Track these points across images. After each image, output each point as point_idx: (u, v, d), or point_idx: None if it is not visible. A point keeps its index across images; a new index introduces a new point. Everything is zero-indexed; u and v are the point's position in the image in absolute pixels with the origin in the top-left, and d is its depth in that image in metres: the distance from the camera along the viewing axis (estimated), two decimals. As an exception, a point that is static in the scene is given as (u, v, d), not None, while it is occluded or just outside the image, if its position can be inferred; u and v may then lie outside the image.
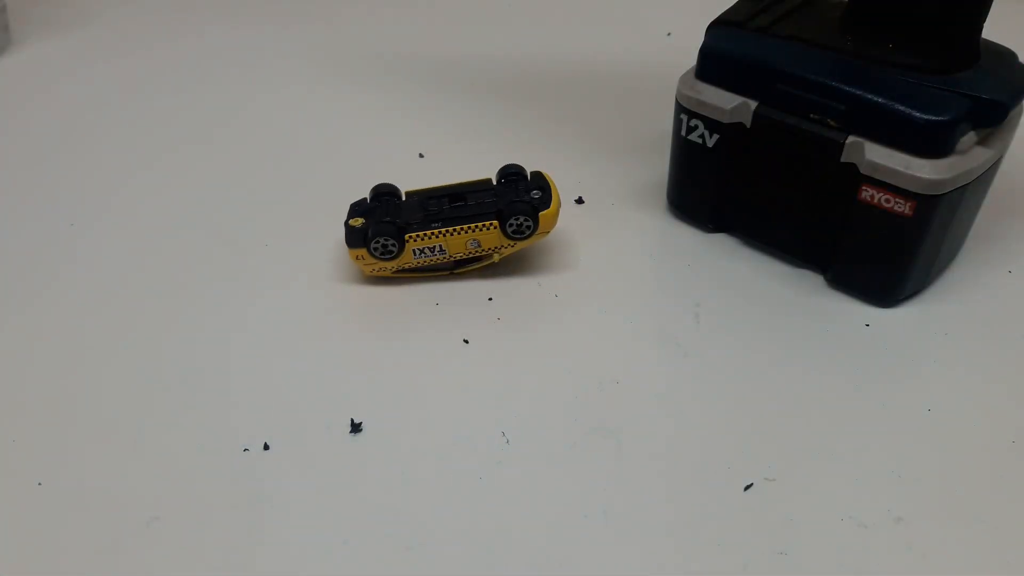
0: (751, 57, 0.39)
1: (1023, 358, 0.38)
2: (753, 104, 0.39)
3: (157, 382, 0.37)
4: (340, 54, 0.61)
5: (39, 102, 0.57)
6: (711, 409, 0.36)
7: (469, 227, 0.40)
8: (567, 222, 0.44)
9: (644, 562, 0.31)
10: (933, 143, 0.35)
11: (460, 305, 0.41)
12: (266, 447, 0.35)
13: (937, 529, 0.32)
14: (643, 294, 0.42)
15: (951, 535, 0.31)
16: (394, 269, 0.42)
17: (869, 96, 0.36)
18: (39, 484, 0.33)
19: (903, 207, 0.36)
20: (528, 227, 0.40)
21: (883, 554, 0.31)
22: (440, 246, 0.41)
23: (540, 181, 0.42)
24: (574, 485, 0.33)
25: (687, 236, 0.45)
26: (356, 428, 0.35)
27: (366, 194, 0.43)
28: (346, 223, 0.41)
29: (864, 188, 0.37)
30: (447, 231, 0.40)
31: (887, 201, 0.37)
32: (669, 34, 0.62)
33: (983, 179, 0.37)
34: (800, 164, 0.39)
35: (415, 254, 0.41)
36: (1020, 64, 0.38)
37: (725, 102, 0.40)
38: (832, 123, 0.37)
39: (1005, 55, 0.38)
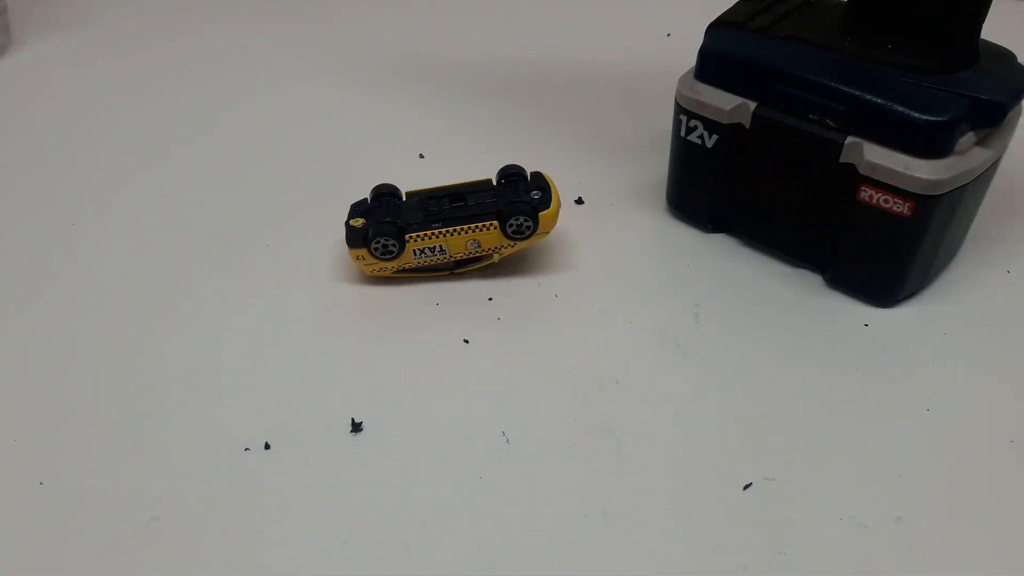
0: (750, 58, 0.39)
1: (1022, 358, 0.38)
2: (752, 105, 0.39)
3: (157, 382, 0.38)
4: (340, 54, 0.61)
5: (39, 102, 0.57)
6: (711, 409, 0.36)
7: (469, 227, 0.40)
8: (567, 222, 0.44)
9: (644, 562, 0.31)
10: (932, 143, 0.35)
11: (460, 305, 0.41)
12: (267, 447, 0.35)
13: (937, 529, 0.32)
14: (643, 294, 0.42)
15: (951, 535, 0.31)
16: (394, 269, 0.42)
17: (868, 96, 0.36)
18: (40, 484, 0.34)
19: (902, 207, 0.36)
20: (528, 227, 0.40)
21: (883, 554, 0.31)
22: (440, 246, 0.41)
23: (540, 181, 0.42)
24: (574, 485, 0.33)
25: (687, 236, 0.45)
26: (356, 428, 0.35)
27: (366, 194, 0.43)
28: (346, 223, 0.41)
29: (863, 188, 0.37)
30: (447, 231, 0.40)
31: (886, 201, 0.37)
32: (669, 34, 0.62)
33: (982, 179, 0.37)
34: (799, 164, 0.39)
35: (415, 254, 0.41)
36: (1019, 64, 0.38)
37: (724, 103, 0.40)
38: (831, 123, 0.37)
39: (1004, 55, 0.38)
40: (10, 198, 0.48)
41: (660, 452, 0.34)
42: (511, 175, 0.42)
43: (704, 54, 0.40)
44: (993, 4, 0.36)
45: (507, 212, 0.40)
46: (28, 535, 0.32)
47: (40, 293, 0.42)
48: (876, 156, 0.36)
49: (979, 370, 0.38)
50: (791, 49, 0.38)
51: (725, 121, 0.40)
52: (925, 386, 0.37)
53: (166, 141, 0.53)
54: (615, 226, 0.46)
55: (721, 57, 0.40)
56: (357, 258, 0.41)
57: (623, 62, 0.60)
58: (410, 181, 0.43)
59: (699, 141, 0.41)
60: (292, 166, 0.51)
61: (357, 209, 0.42)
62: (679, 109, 0.42)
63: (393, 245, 0.40)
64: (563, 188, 0.44)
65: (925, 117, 0.35)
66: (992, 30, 0.37)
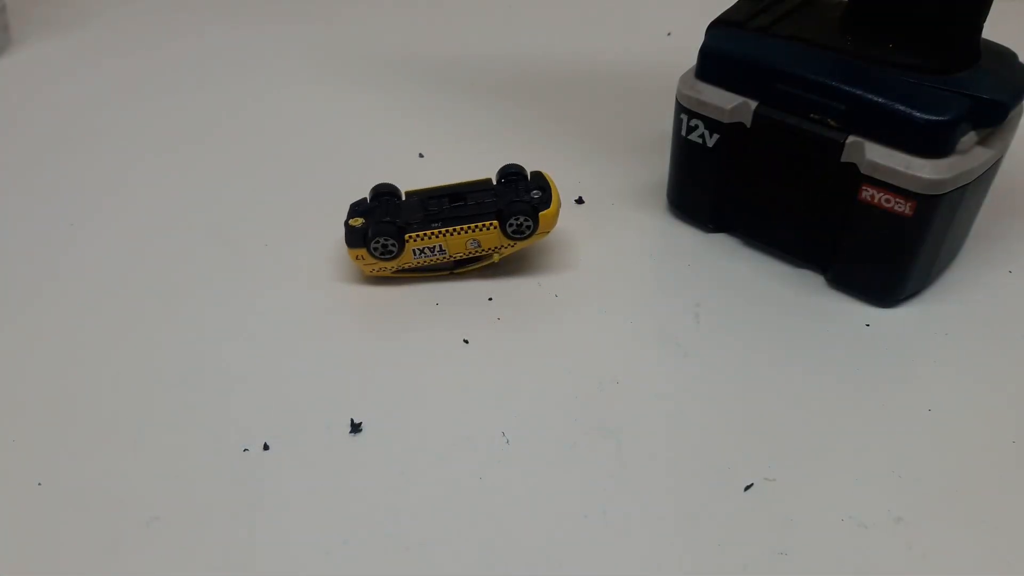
0: (751, 57, 0.39)
1: (1023, 358, 0.38)
2: (753, 104, 0.39)
3: (157, 382, 0.37)
4: (340, 54, 0.61)
5: (39, 102, 0.57)
6: (711, 409, 0.36)
7: (469, 227, 0.40)
8: (567, 222, 0.44)
9: (644, 562, 0.31)
10: (933, 143, 0.35)
11: (460, 305, 0.41)
12: (266, 447, 0.35)
13: (937, 529, 0.32)
14: (643, 294, 0.42)
15: (951, 535, 0.31)
16: (394, 269, 0.42)
17: (869, 96, 0.36)
18: (39, 484, 0.33)
19: (903, 207, 0.36)
20: (528, 227, 0.40)
21: (883, 554, 0.31)
22: (440, 246, 0.41)
23: (540, 181, 0.42)
24: (574, 485, 0.33)
25: (687, 236, 0.45)
26: (356, 428, 0.35)
27: (366, 194, 0.43)
28: (346, 223, 0.41)
29: (864, 188, 0.37)
30: (447, 231, 0.40)
31: (887, 201, 0.37)
32: (669, 34, 0.62)
33: (983, 179, 0.37)
34: (800, 164, 0.39)
35: (415, 254, 0.41)
36: (1020, 64, 0.38)
37: (725, 102, 0.40)
38: (832, 123, 0.37)
39: (1005, 55, 0.38)
40: (9, 198, 0.48)
41: (660, 452, 0.34)
42: (511, 175, 0.42)
43: (705, 53, 0.40)
44: (993, 4, 0.36)
45: (507, 212, 0.40)
46: (28, 535, 0.32)
47: (39, 293, 0.42)
48: (877, 156, 0.36)
49: (981, 370, 0.37)
50: (792, 48, 0.38)
51: (726, 120, 0.40)
52: (926, 386, 0.37)
53: (166, 141, 0.53)
54: (615, 226, 0.46)
55: (722, 56, 0.40)
56: (356, 258, 0.41)
57: (623, 62, 0.59)
58: (410, 181, 0.43)
59: (700, 140, 0.41)
60: (292, 166, 0.51)
61: (356, 209, 0.42)
62: (680, 108, 0.42)
63: (393, 245, 0.40)
64: (563, 188, 0.44)
65: (926, 117, 0.35)
66: (993, 30, 0.37)
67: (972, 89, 0.35)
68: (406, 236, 0.40)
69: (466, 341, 0.39)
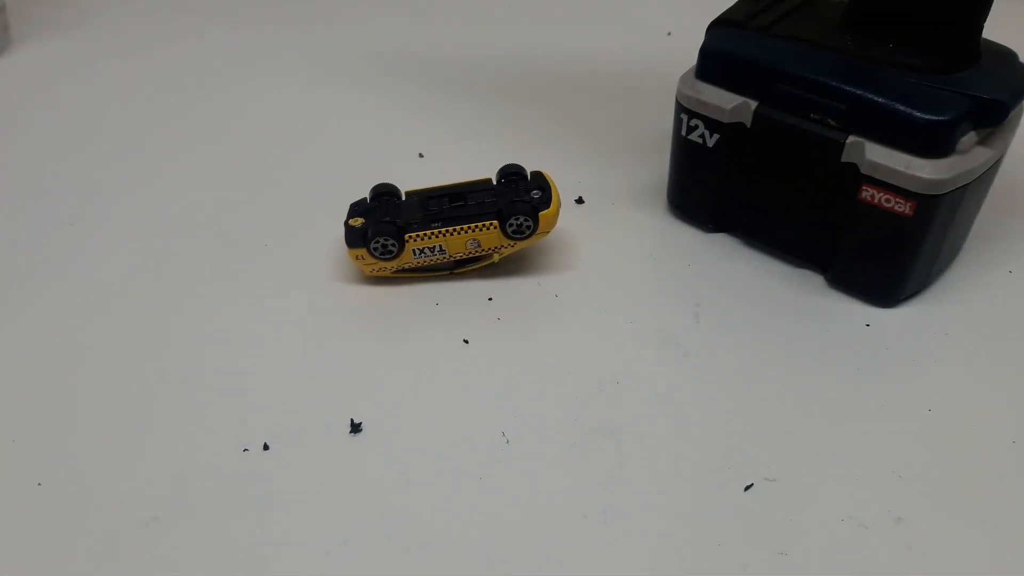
0: (751, 57, 0.39)
1: (1023, 358, 0.38)
2: (753, 104, 0.39)
3: (157, 382, 0.37)
4: (340, 54, 0.61)
5: (39, 102, 0.57)
6: (711, 409, 0.36)
7: (469, 227, 0.40)
8: (567, 222, 0.44)
9: (644, 562, 0.31)
10: (933, 143, 0.35)
11: (460, 305, 0.41)
12: (266, 447, 0.35)
13: (937, 529, 0.32)
14: (643, 294, 0.42)
15: (951, 535, 0.31)
16: (394, 269, 0.42)
17: (869, 96, 0.36)
18: (39, 484, 0.33)
19: (903, 207, 0.36)
20: (528, 227, 0.40)
21: (883, 554, 0.31)
22: (440, 246, 0.41)
23: (540, 181, 0.42)
24: (574, 485, 0.33)
25: (687, 236, 0.45)
26: (356, 428, 0.35)
27: (366, 194, 0.43)
28: (346, 223, 0.41)
29: (864, 188, 0.37)
30: (447, 231, 0.40)
31: (887, 201, 0.37)
32: (669, 34, 0.62)
33: (984, 179, 0.37)
34: (800, 164, 0.39)
35: (415, 254, 0.41)
36: (1020, 64, 0.38)
37: (725, 102, 0.40)
38: (832, 123, 0.37)
39: (1005, 55, 0.38)
40: (10, 198, 0.48)
41: (660, 452, 0.34)
42: (511, 175, 0.42)
43: (705, 53, 0.40)
44: (994, 4, 0.36)
45: (507, 212, 0.40)
46: (28, 535, 0.32)
47: (39, 293, 0.42)
48: (877, 155, 0.36)
49: (981, 370, 0.37)
50: (792, 48, 0.38)
51: (726, 120, 0.40)
52: (926, 386, 0.37)
53: (166, 141, 0.53)
54: (615, 226, 0.46)
55: (722, 56, 0.40)
56: (356, 258, 0.41)
57: (623, 62, 0.59)
58: (410, 181, 0.43)
59: (700, 140, 0.41)
60: (292, 166, 0.51)
61: (356, 209, 0.42)
62: (680, 108, 0.42)
63: (393, 245, 0.40)
64: (563, 188, 0.44)
65: (927, 116, 0.35)
66: (993, 30, 0.37)
67: (972, 89, 0.35)
68: (406, 236, 0.40)
69: (466, 341, 0.39)
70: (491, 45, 0.62)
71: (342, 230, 0.42)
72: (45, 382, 0.38)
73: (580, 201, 0.47)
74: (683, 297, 0.41)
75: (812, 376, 0.37)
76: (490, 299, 0.41)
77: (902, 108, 0.35)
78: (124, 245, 0.45)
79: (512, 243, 0.41)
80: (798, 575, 0.30)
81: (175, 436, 0.35)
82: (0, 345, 0.39)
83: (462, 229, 0.40)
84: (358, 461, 0.34)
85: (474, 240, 0.41)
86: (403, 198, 0.42)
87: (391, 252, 0.40)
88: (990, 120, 0.36)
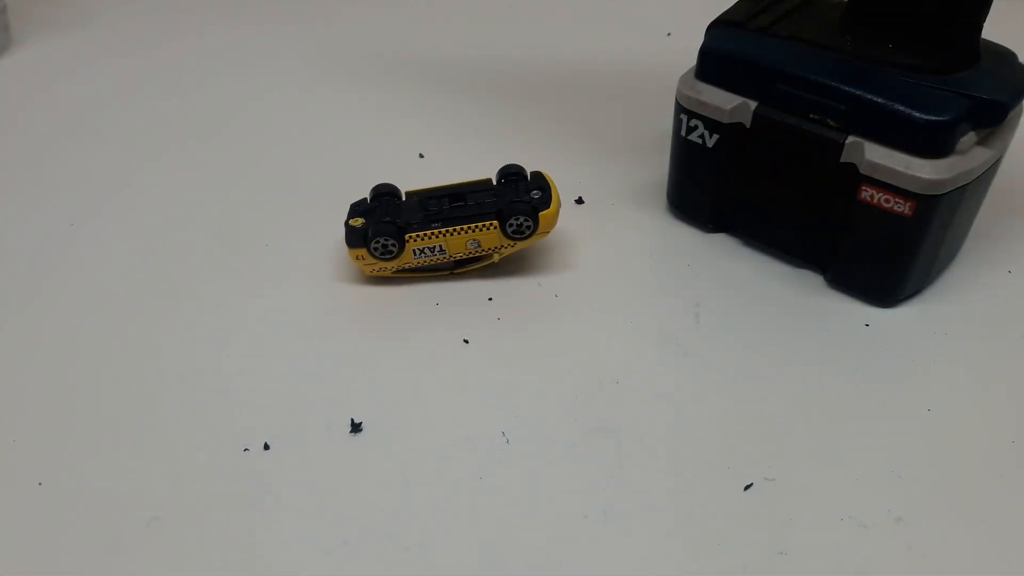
0: (751, 57, 0.39)
1: (1023, 358, 0.38)
2: (753, 104, 0.39)
3: (157, 382, 0.37)
4: (340, 54, 0.61)
5: (39, 102, 0.57)
6: (711, 409, 0.36)
7: (469, 227, 0.40)
8: (567, 222, 0.44)
9: (644, 562, 0.31)
10: (933, 143, 0.35)
11: (460, 305, 0.41)
12: (266, 447, 0.35)
13: (937, 529, 0.32)
14: (643, 294, 0.42)
15: (951, 535, 0.31)
16: (394, 269, 0.42)
17: (869, 96, 0.36)
18: (39, 484, 0.33)
19: (903, 207, 0.36)
20: (528, 227, 0.40)
21: (883, 554, 0.31)
22: (440, 246, 0.41)
23: (540, 181, 0.42)
24: (574, 485, 0.33)
25: (687, 236, 0.45)
26: (356, 428, 0.35)
27: (366, 194, 0.43)
28: (346, 223, 0.41)
29: (864, 188, 0.37)
30: (447, 231, 0.40)
31: (887, 201, 0.37)
32: (669, 34, 0.62)
33: (983, 179, 0.37)
34: (800, 164, 0.39)
35: (415, 254, 0.41)
36: (1020, 64, 0.38)
37: (725, 102, 0.40)
38: (832, 123, 0.37)
39: (1005, 55, 0.38)
40: (10, 198, 0.48)
41: (660, 452, 0.34)
42: (511, 175, 0.42)
43: (705, 53, 0.40)
44: (993, 4, 0.36)
45: (507, 212, 0.40)
46: (28, 535, 0.32)
47: (39, 293, 0.42)
48: (877, 156, 0.36)
49: (980, 370, 0.37)
50: (792, 49, 0.38)
51: (726, 121, 0.40)
52: (926, 386, 0.37)
53: (166, 141, 0.53)
54: (615, 226, 0.46)
55: (722, 56, 0.40)
56: (357, 258, 0.41)
57: (623, 62, 0.59)
58: (410, 181, 0.43)
59: (700, 141, 0.41)
60: (292, 166, 0.51)
61: (357, 209, 0.42)
62: (679, 109, 0.42)
63: (393, 245, 0.40)
64: (563, 188, 0.44)
65: (926, 117, 0.35)
66: (992, 30, 0.37)
67: (972, 89, 0.35)
68: (406, 236, 0.40)
69: (466, 341, 0.39)
70: (491, 45, 0.62)
71: (342, 230, 0.42)
72: (45, 382, 0.38)
73: (580, 201, 0.47)
74: (683, 297, 0.41)
75: (812, 376, 0.37)
76: (490, 299, 0.41)
77: (901, 108, 0.35)
78: (124, 245, 0.45)
79: (512, 243, 0.41)
80: (798, 575, 0.30)
81: (175, 436, 0.35)
82: (0, 345, 0.39)
83: (462, 229, 0.40)
84: (358, 461, 0.34)
85: (474, 240, 0.41)
86: (403, 198, 0.42)
87: (391, 252, 0.40)
88: (989, 120, 0.36)
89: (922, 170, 0.35)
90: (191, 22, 0.66)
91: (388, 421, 0.36)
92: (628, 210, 0.47)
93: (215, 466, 0.34)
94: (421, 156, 0.51)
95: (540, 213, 0.40)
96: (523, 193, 0.41)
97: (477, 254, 0.41)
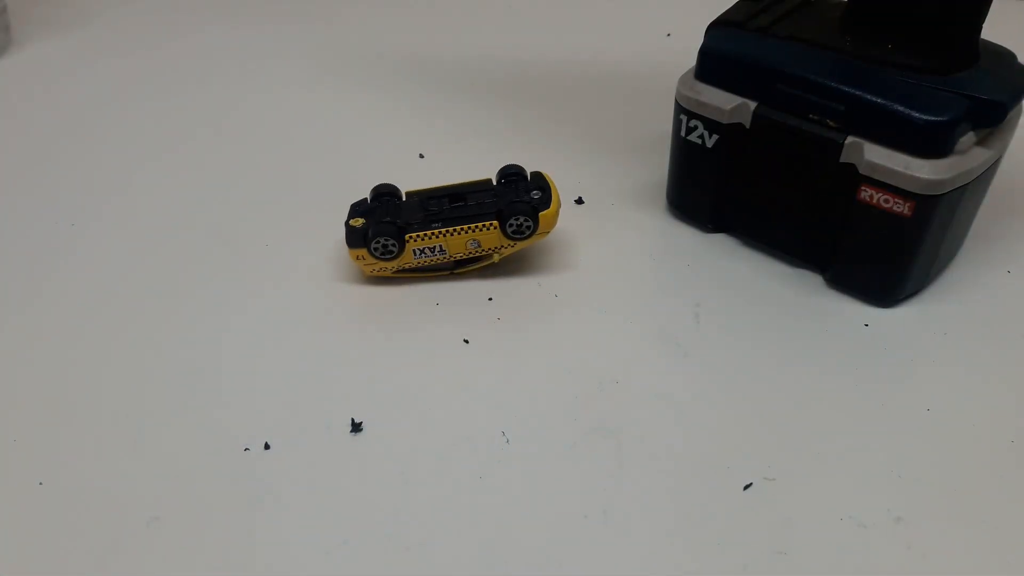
0: (751, 57, 0.39)
1: (1023, 358, 0.38)
2: (752, 104, 0.39)
3: (157, 382, 0.37)
4: (340, 54, 0.61)
5: (39, 102, 0.57)
6: (711, 409, 0.36)
7: (469, 227, 0.40)
8: (567, 222, 0.44)
9: (644, 562, 0.31)
10: (932, 143, 0.35)
11: (460, 305, 0.41)
12: (266, 447, 0.35)
13: (937, 529, 0.32)
14: (643, 294, 0.42)
15: (951, 535, 0.31)
16: (394, 269, 0.42)
17: (868, 96, 0.36)
18: (39, 484, 0.34)
19: (902, 207, 0.36)
20: (528, 227, 0.40)
21: (883, 554, 0.31)
22: (440, 246, 0.41)
23: (540, 181, 0.42)
24: (574, 485, 0.33)
25: (687, 236, 0.45)
26: (356, 428, 0.35)
27: (366, 194, 0.43)
28: (346, 223, 0.41)
29: (863, 188, 0.37)
30: (447, 231, 0.40)
31: (886, 201, 0.37)
32: (669, 34, 0.62)
33: (982, 179, 0.37)
34: (799, 164, 0.39)
35: (415, 254, 0.41)
36: (1019, 64, 0.38)
37: (725, 102, 0.40)
38: (831, 123, 0.37)
39: (1005, 55, 0.38)
40: (10, 198, 0.48)
41: (660, 452, 0.34)
42: (511, 175, 0.42)
43: (704, 54, 0.40)
44: (993, 4, 0.36)
45: (507, 212, 0.40)
46: (28, 535, 0.32)
47: (40, 293, 0.42)
48: (876, 156, 0.36)
49: (979, 370, 0.38)
50: (791, 49, 0.38)
51: (725, 121, 0.40)
52: (925, 386, 0.37)
53: (166, 141, 0.53)
54: (615, 226, 0.46)
55: (721, 57, 0.40)
56: (357, 258, 0.41)
57: (623, 62, 0.60)
58: (410, 181, 0.43)
59: (699, 141, 0.41)
60: (292, 166, 0.51)
61: (357, 209, 0.42)
62: (679, 109, 0.42)
63: (393, 245, 0.40)
64: (563, 188, 0.44)
65: (926, 117, 0.35)
66: (992, 30, 0.37)
67: (971, 89, 0.35)
68: (406, 236, 0.40)
69: (466, 341, 0.39)
70: (491, 45, 0.62)
71: (342, 230, 0.42)
72: (45, 382, 0.38)
73: (580, 201, 0.47)
74: (683, 297, 0.41)
75: (811, 376, 0.37)
76: (490, 299, 0.41)
77: (901, 108, 0.35)
78: (124, 245, 0.45)
79: (512, 243, 0.41)
80: (797, 575, 0.30)
81: (175, 436, 0.35)
82: (0, 345, 0.39)
83: (462, 229, 0.40)
84: (358, 461, 0.34)
85: (474, 240, 0.41)
86: (403, 198, 0.42)
87: (391, 252, 0.40)
88: (989, 120, 0.36)
89: (921, 170, 0.35)
90: (191, 22, 0.66)
91: (388, 421, 0.36)
92: (628, 210, 0.47)
93: (215, 466, 0.34)
94: (421, 156, 0.51)
95: (540, 213, 0.40)
96: (523, 193, 0.41)
97: (477, 254, 0.41)
